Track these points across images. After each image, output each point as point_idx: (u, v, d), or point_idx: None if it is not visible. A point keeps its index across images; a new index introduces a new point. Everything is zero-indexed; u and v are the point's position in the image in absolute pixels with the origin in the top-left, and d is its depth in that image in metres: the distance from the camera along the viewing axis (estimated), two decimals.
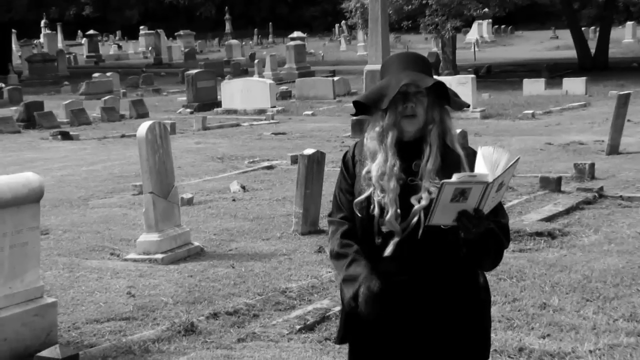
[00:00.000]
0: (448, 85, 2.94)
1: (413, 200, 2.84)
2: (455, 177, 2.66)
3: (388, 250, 2.86)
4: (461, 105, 2.99)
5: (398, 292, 2.89)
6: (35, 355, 4.97)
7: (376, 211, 2.88)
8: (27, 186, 5.23)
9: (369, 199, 2.91)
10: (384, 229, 2.87)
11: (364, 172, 2.94)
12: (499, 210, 2.93)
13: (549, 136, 15.19)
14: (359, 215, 2.94)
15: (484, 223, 2.74)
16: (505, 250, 2.98)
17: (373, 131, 2.93)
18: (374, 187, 2.89)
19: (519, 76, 27.11)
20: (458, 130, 3.07)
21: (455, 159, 2.89)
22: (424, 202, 2.83)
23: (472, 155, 2.93)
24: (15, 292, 5.22)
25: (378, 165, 2.89)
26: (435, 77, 2.99)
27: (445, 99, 2.91)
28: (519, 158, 2.79)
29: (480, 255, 2.86)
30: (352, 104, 3.01)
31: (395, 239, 2.85)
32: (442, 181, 2.67)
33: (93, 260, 7.57)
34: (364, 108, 2.95)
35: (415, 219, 2.83)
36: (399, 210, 2.84)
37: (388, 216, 2.84)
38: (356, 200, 2.94)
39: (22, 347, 5.21)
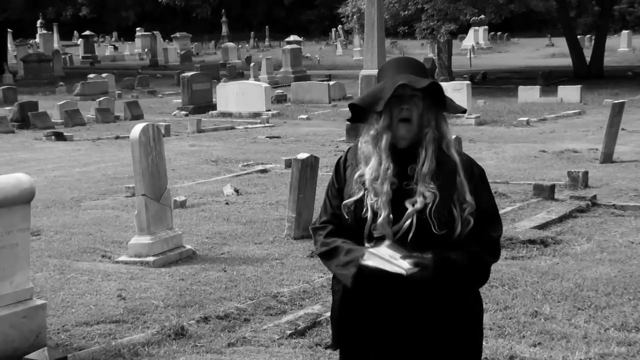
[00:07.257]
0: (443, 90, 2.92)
1: (407, 203, 2.83)
2: (371, 262, 2.77)
3: None
4: (457, 110, 2.97)
5: (388, 299, 2.87)
6: (23, 357, 4.95)
7: (369, 214, 2.86)
8: (18, 187, 5.20)
9: (357, 202, 2.89)
10: (376, 233, 2.85)
11: (356, 175, 2.92)
12: (492, 223, 2.90)
13: (543, 144, 15.21)
14: (347, 218, 2.92)
15: (427, 271, 2.76)
16: (495, 262, 2.96)
17: (367, 134, 2.92)
18: (367, 190, 2.87)
19: (514, 83, 27.14)
20: (453, 136, 3.03)
21: (451, 164, 2.88)
22: (418, 206, 2.81)
23: (467, 162, 2.92)
24: (4, 293, 5.18)
25: (372, 169, 2.88)
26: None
27: (441, 103, 2.89)
28: (404, 274, 2.76)
29: (448, 286, 2.86)
30: (347, 108, 3.00)
31: (387, 242, 2.83)
32: (360, 263, 2.79)
33: (84, 262, 7.54)
34: (360, 113, 2.94)
35: (408, 222, 2.81)
36: (391, 215, 2.82)
37: (380, 220, 2.83)
38: (344, 202, 2.92)
39: (11, 349, 5.17)
